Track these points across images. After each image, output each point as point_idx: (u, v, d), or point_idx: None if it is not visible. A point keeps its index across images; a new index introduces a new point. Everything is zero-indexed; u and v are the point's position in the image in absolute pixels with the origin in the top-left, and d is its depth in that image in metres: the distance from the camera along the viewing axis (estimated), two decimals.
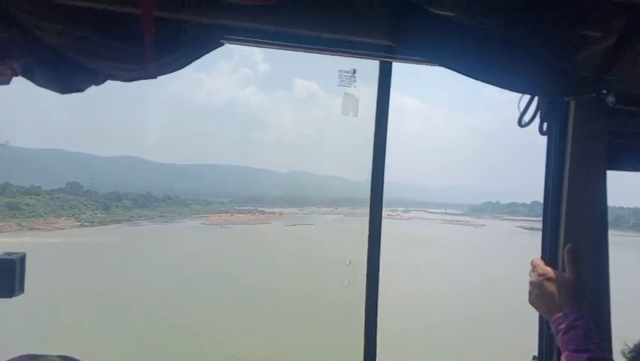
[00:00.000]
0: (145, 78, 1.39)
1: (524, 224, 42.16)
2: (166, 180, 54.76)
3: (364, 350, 1.71)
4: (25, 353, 0.86)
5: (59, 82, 1.32)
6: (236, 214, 38.56)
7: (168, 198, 36.86)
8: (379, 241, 1.71)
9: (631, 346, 1.39)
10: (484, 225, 46.35)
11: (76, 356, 0.91)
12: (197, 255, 24.95)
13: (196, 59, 1.44)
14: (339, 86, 1.69)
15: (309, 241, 29.28)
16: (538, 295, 1.52)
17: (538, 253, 1.69)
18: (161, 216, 33.68)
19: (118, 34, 1.27)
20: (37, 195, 28.24)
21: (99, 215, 30.70)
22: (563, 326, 1.41)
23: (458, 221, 47.82)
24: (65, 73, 1.29)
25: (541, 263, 1.58)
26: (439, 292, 20.02)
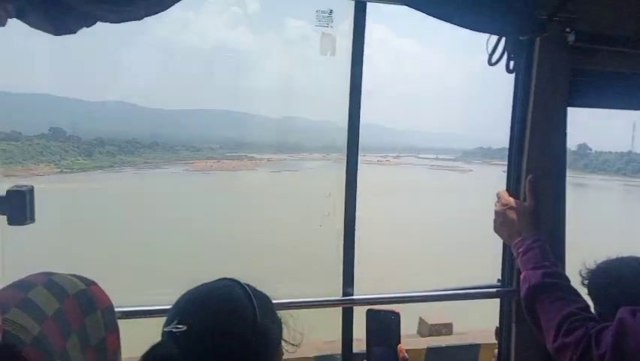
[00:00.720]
0: (133, 19, 1.39)
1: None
2: (153, 126, 54.15)
3: (343, 273, 1.78)
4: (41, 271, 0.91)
5: (52, 23, 1.33)
6: (223, 160, 38.27)
7: (155, 144, 36.22)
8: (355, 184, 1.75)
9: (587, 267, 1.54)
10: (471, 170, 46.71)
11: (89, 277, 0.97)
12: (170, 201, 25.01)
13: None
14: (316, 26, 1.72)
15: (291, 185, 29.46)
16: (501, 222, 1.66)
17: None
18: (146, 163, 33.18)
19: None
20: (16, 141, 27.64)
21: (81, 161, 30.24)
22: (521, 249, 1.55)
23: (446, 167, 47.99)
24: (58, 14, 1.31)
25: (505, 194, 1.72)
26: (415, 228, 21.06)
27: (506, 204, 1.66)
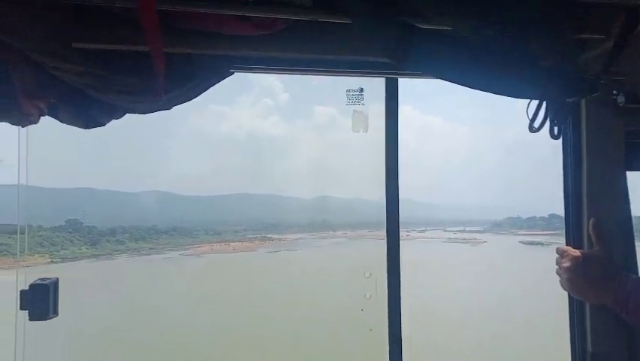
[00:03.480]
0: (160, 110, 1.44)
1: (527, 238, 41.28)
2: (183, 213, 55.93)
3: None
4: None
5: (82, 117, 1.39)
6: (231, 243, 38.21)
7: (172, 229, 36.41)
8: (398, 257, 1.69)
9: None
10: (485, 242, 45.28)
11: None
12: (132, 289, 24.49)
13: (207, 88, 1.50)
14: (347, 105, 1.71)
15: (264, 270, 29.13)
16: (579, 276, 1.45)
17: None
18: (151, 249, 32.55)
19: (131, 70, 1.35)
20: (22, 234, 26.26)
21: (83, 250, 28.82)
22: (630, 286, 1.35)
23: (464, 239, 46.79)
24: (86, 109, 1.37)
25: (570, 248, 1.54)
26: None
27: (579, 257, 1.47)
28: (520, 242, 42.35)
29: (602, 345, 1.60)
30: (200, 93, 1.49)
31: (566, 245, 1.65)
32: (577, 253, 1.48)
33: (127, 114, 1.45)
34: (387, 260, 1.67)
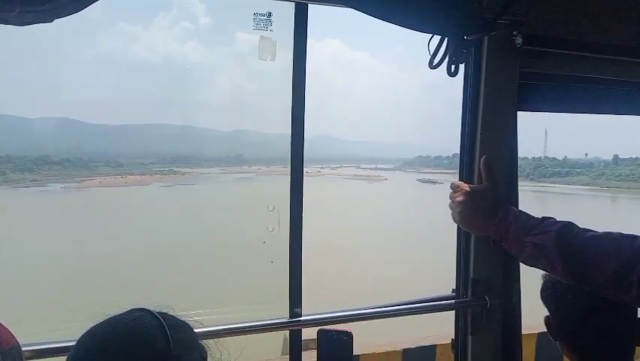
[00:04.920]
0: (39, 22, 1.20)
1: (424, 176, 43.99)
2: (88, 142, 52.81)
3: (290, 292, 1.64)
4: None
5: None
6: (129, 176, 36.68)
7: (66, 160, 34.39)
8: (301, 197, 1.64)
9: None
10: (385, 179, 47.88)
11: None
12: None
13: (75, 11, 1.23)
14: (254, 29, 1.62)
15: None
16: (469, 209, 1.52)
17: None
18: (33, 181, 30.49)
19: None
20: None
21: None
22: (510, 219, 1.41)
23: (368, 176, 48.81)
24: None
25: (461, 183, 1.59)
26: None
27: (469, 191, 1.54)
28: (417, 180, 45.02)
29: (482, 271, 1.75)
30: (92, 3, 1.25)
31: (459, 180, 1.71)
32: (467, 187, 1.56)
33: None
34: (290, 193, 1.65)
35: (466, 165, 1.74)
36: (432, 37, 1.59)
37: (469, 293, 1.78)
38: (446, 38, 1.58)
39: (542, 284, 1.45)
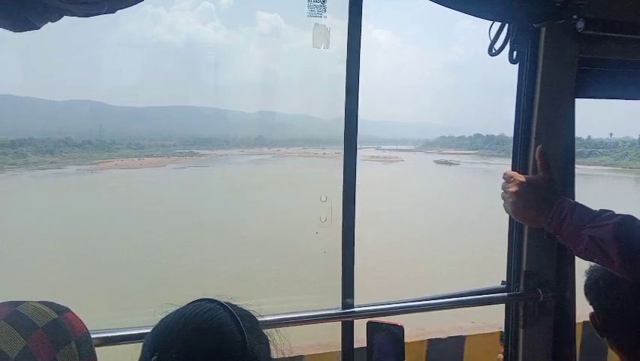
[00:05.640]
0: (102, 13, 1.25)
1: (441, 157, 43.28)
2: (115, 125, 53.69)
3: (342, 283, 1.65)
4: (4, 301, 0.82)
5: (11, 18, 1.20)
6: (145, 158, 36.96)
7: (88, 143, 34.83)
8: (354, 181, 1.64)
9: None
10: (402, 160, 47.27)
11: (60, 302, 0.87)
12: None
13: None
14: (308, 16, 1.55)
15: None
16: (524, 200, 1.47)
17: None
18: (52, 163, 30.84)
19: None
20: None
21: None
22: (566, 211, 1.37)
23: (385, 157, 48.31)
24: (18, 9, 1.18)
25: (516, 174, 1.54)
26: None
27: (524, 182, 1.49)
28: (433, 161, 44.41)
29: (534, 264, 1.73)
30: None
31: (512, 170, 1.67)
32: (522, 178, 1.50)
33: (64, 17, 1.24)
34: (344, 179, 1.63)
35: (521, 154, 1.69)
36: (492, 23, 1.54)
37: (522, 286, 1.75)
38: (507, 24, 1.53)
39: (585, 280, 1.41)
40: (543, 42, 1.63)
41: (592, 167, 33.21)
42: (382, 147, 58.91)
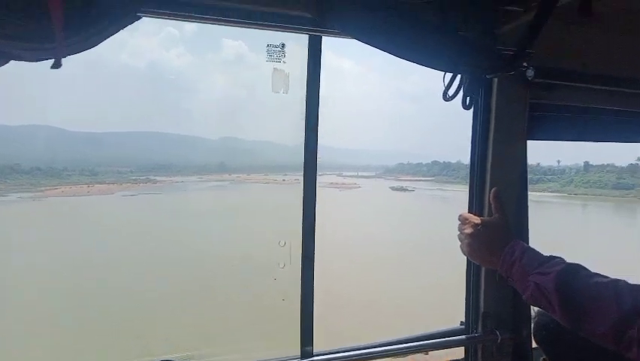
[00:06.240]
0: (54, 57, 1.23)
1: (396, 184, 44.22)
2: (69, 151, 52.20)
3: (301, 329, 1.66)
4: None
5: None
6: (95, 185, 35.98)
7: (37, 169, 33.45)
8: (314, 220, 1.66)
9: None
10: (359, 187, 47.90)
11: None
12: None
13: (111, 35, 1.31)
14: (267, 61, 1.60)
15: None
16: (479, 243, 1.48)
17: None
18: None
19: (19, 10, 1.12)
20: None
21: None
22: (517, 254, 1.36)
23: (343, 184, 48.95)
24: None
25: (471, 215, 1.56)
26: None
27: (478, 224, 1.50)
28: (389, 187, 45.36)
29: (492, 305, 1.77)
30: (103, 40, 1.32)
31: (468, 212, 1.71)
32: (477, 220, 1.52)
33: (12, 62, 1.24)
34: (303, 215, 1.68)
35: (477, 196, 1.76)
36: (445, 73, 1.61)
37: (480, 328, 1.79)
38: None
39: (534, 325, 1.43)
40: (495, 90, 1.72)
41: (538, 193, 34.56)
42: (344, 174, 59.56)
